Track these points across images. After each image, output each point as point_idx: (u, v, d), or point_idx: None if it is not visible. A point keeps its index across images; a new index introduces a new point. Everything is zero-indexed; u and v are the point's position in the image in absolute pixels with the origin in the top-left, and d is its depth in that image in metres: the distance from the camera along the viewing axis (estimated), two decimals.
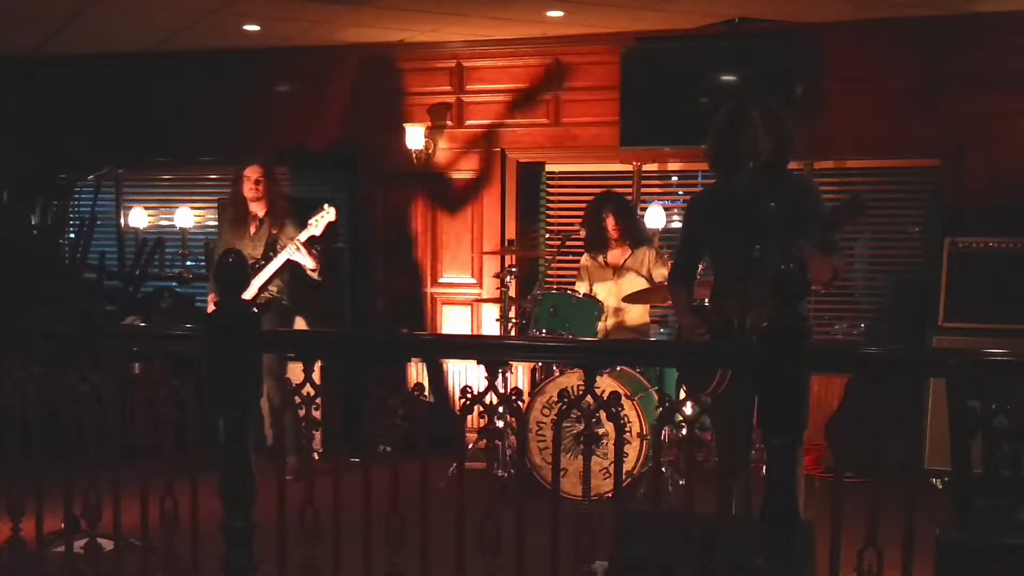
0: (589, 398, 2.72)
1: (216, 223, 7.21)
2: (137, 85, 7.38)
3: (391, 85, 7.07)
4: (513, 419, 3.04)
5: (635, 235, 5.94)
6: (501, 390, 2.82)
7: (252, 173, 5.80)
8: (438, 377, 6.90)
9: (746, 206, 3.68)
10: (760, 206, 3.67)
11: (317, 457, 5.26)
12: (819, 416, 5.75)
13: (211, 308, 5.70)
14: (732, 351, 3.11)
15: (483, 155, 6.97)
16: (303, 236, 5.69)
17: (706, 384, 3.53)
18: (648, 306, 5.95)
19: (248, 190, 5.80)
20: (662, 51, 6.48)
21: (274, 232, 5.79)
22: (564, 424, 3.02)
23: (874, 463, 2.59)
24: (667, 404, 2.78)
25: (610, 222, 5.86)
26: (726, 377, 3.51)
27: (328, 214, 5.69)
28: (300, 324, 6.16)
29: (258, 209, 5.85)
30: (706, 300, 4.03)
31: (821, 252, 3.48)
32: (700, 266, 4.22)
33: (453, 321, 7.09)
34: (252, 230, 5.86)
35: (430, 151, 6.97)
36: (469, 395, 2.82)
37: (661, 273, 5.80)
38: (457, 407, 3.19)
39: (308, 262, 5.74)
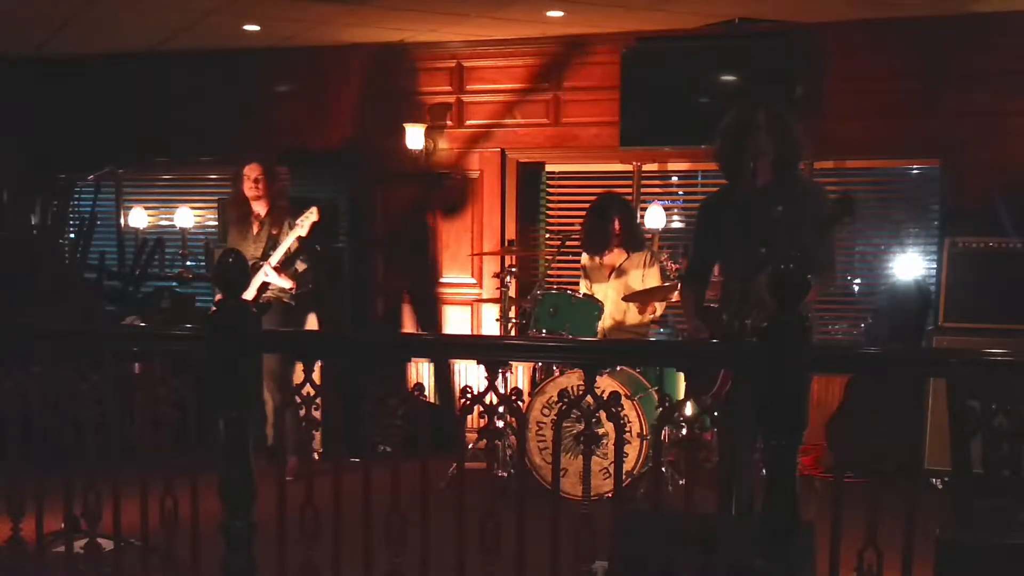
0: (589, 398, 2.72)
1: (216, 223, 7.21)
2: (137, 85, 7.39)
3: (391, 85, 7.07)
4: (513, 419, 3.04)
5: (634, 240, 5.94)
6: (501, 390, 2.82)
7: (251, 172, 5.79)
8: (445, 377, 6.89)
9: (753, 208, 3.69)
10: (767, 209, 3.68)
11: (317, 457, 5.26)
12: (819, 416, 5.76)
13: None
14: (732, 351, 3.11)
15: (483, 155, 6.97)
16: (286, 243, 5.68)
17: (709, 386, 3.54)
18: (648, 306, 5.95)
19: (248, 189, 5.80)
20: (662, 51, 6.48)
21: (274, 232, 5.79)
22: (564, 424, 3.01)
23: (874, 463, 2.59)
24: (667, 404, 2.78)
25: (616, 224, 5.84)
26: (728, 378, 3.51)
27: (311, 215, 5.68)
28: (312, 322, 6.11)
29: (260, 208, 5.85)
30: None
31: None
32: (715, 268, 4.21)
33: (453, 321, 7.09)
34: (255, 229, 5.86)
35: (430, 151, 6.98)
36: (469, 395, 2.82)
37: (654, 278, 5.82)
38: (457, 407, 3.21)
39: (283, 283, 5.73)
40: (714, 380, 3.56)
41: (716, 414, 3.65)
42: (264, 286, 5.73)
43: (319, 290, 6.02)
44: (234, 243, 5.82)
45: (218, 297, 6.06)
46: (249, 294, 5.62)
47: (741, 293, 3.58)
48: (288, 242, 5.69)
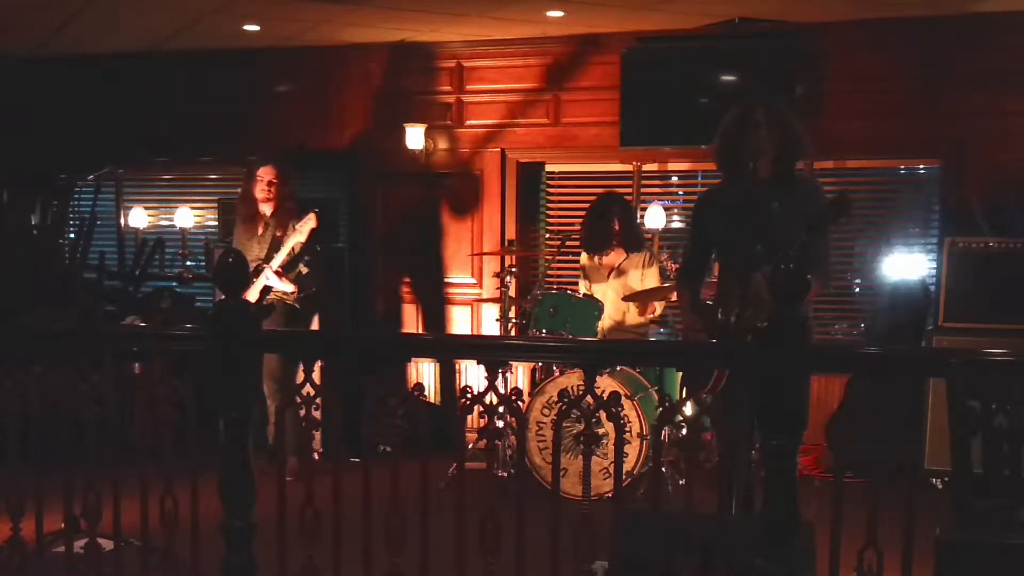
0: (589, 398, 2.72)
1: (216, 223, 7.22)
2: (137, 85, 7.39)
3: (391, 85, 7.07)
4: (513, 419, 3.04)
5: (634, 239, 5.94)
6: (501, 390, 2.82)
7: (265, 174, 5.79)
8: (451, 379, 6.87)
9: (751, 206, 3.69)
10: (765, 206, 3.67)
11: (317, 457, 5.26)
12: (819, 416, 5.75)
13: None
14: (732, 351, 3.11)
15: (483, 155, 6.97)
16: (287, 247, 5.68)
17: (704, 382, 3.53)
18: (648, 306, 5.95)
19: (259, 191, 5.80)
20: (662, 51, 6.48)
21: (278, 234, 5.78)
22: (564, 424, 3.01)
23: (874, 463, 2.59)
24: (667, 404, 2.77)
25: (616, 224, 5.84)
26: (724, 376, 3.51)
27: (310, 221, 5.67)
28: (314, 324, 6.08)
29: (266, 209, 5.86)
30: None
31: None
32: (714, 266, 4.21)
33: (453, 321, 7.09)
34: (260, 230, 5.87)
35: (430, 151, 6.97)
36: (469, 395, 2.82)
37: (653, 278, 5.82)
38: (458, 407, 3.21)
39: (285, 287, 5.74)
40: (709, 376, 3.56)
41: (715, 413, 3.66)
42: (267, 289, 5.73)
43: (321, 292, 6.01)
44: (239, 242, 5.84)
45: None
46: (252, 296, 5.62)
47: (739, 291, 3.57)
48: (288, 247, 5.69)
